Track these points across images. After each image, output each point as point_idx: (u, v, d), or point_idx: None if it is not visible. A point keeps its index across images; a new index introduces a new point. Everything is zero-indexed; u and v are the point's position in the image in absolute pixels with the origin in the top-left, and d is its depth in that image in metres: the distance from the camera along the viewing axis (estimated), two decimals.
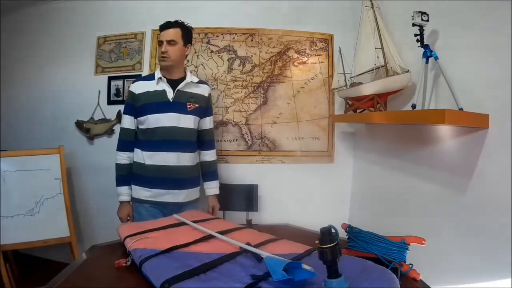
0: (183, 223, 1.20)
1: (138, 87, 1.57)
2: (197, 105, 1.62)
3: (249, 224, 1.82)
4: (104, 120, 2.22)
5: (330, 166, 2.21)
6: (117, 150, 1.60)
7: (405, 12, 1.34)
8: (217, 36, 2.18)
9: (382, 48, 1.48)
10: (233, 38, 2.18)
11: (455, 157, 1.25)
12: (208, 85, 1.73)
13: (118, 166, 1.59)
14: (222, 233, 1.06)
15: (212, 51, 2.18)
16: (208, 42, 2.18)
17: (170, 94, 1.56)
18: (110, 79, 2.22)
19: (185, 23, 1.57)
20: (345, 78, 1.89)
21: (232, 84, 2.18)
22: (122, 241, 1.07)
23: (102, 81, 2.22)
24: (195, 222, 1.18)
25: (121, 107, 1.78)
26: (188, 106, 1.59)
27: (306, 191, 2.19)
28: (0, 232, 1.86)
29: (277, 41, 2.19)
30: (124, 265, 0.96)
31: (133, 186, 1.60)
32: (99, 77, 2.24)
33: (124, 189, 1.58)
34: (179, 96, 1.57)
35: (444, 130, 1.31)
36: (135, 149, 1.61)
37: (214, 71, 2.18)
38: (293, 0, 2.17)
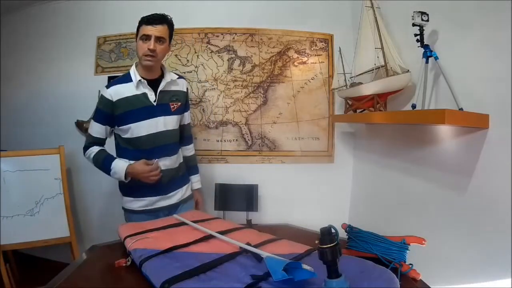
0: (183, 223, 1.20)
1: (115, 93, 1.40)
2: (179, 103, 1.53)
3: (249, 224, 1.82)
4: None
5: (330, 166, 2.20)
6: (85, 151, 1.48)
7: (405, 12, 1.34)
8: (217, 36, 2.18)
9: (382, 48, 1.48)
10: (233, 38, 2.18)
11: (455, 157, 1.25)
12: (184, 78, 1.62)
13: (97, 155, 1.44)
14: (222, 233, 1.07)
15: (212, 51, 2.18)
16: (208, 42, 2.18)
17: (152, 97, 1.43)
18: (110, 79, 2.21)
19: (171, 19, 1.43)
20: (345, 78, 1.88)
21: (232, 84, 2.18)
22: (122, 241, 1.07)
23: (102, 81, 2.21)
24: (195, 222, 1.18)
25: None
26: (172, 107, 1.49)
27: (306, 191, 2.19)
28: (0, 232, 1.86)
29: (277, 41, 2.19)
30: (124, 265, 0.96)
31: (124, 197, 1.53)
32: (99, 77, 2.23)
33: (118, 161, 1.42)
34: (162, 98, 1.46)
35: (444, 130, 1.31)
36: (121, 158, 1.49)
37: (214, 71, 2.18)
38: (293, 0, 2.18)
